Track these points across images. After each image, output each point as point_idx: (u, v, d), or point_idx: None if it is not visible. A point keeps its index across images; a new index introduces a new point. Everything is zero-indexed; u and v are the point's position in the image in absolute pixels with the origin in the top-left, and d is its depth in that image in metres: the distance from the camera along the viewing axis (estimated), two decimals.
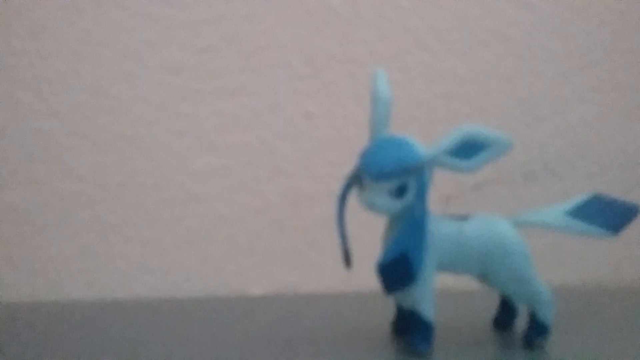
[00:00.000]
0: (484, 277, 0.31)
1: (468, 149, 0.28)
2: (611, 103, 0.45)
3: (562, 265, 0.45)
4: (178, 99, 0.43)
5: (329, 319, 0.37)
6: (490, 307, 0.35)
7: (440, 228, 0.30)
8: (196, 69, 0.43)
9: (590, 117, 0.45)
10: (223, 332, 0.35)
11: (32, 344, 0.33)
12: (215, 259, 0.44)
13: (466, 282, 0.33)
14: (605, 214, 0.30)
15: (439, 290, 0.31)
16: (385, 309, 0.34)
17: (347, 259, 0.30)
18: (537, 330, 0.32)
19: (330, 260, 0.44)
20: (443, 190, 0.44)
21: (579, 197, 0.31)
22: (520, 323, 0.33)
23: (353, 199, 0.30)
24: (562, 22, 0.44)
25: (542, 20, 0.44)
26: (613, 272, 0.45)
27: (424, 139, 0.30)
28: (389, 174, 0.28)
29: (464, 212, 0.32)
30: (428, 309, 0.30)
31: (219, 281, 0.44)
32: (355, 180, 0.30)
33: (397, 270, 0.29)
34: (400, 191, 0.29)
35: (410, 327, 0.31)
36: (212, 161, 0.44)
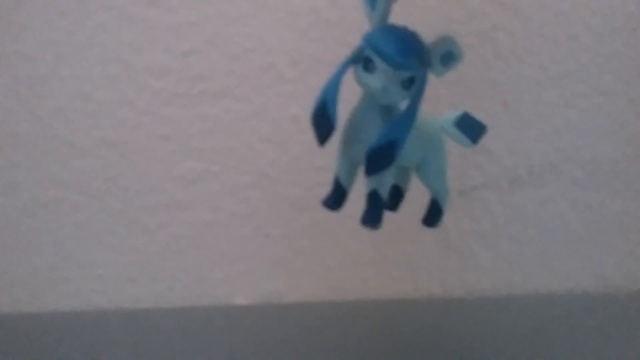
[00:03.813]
0: (418, 168, 0.34)
1: (446, 58, 0.30)
2: (596, 108, 0.45)
3: (549, 272, 0.45)
4: (162, 102, 0.43)
5: (316, 327, 0.36)
6: None
7: None
8: (180, 72, 0.43)
9: (575, 122, 0.45)
10: (208, 342, 0.34)
11: (12, 356, 0.33)
12: (200, 267, 0.44)
13: None
14: (471, 128, 0.34)
15: None
16: (373, 318, 0.34)
17: (326, 136, 0.31)
18: (438, 214, 0.35)
19: (316, 268, 0.43)
20: (427, 196, 0.43)
21: (456, 112, 0.34)
22: None
23: None
24: (546, 26, 0.44)
25: (526, 24, 0.44)
26: (598, 279, 0.46)
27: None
28: (412, 64, 0.29)
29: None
30: (386, 191, 0.32)
31: (204, 290, 0.44)
32: (358, 60, 0.30)
33: (384, 155, 0.30)
34: (409, 82, 0.29)
35: (367, 205, 0.32)
36: (197, 166, 0.43)
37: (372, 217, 0.33)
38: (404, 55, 0.29)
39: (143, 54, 0.42)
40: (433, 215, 0.36)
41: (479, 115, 0.44)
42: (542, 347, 0.32)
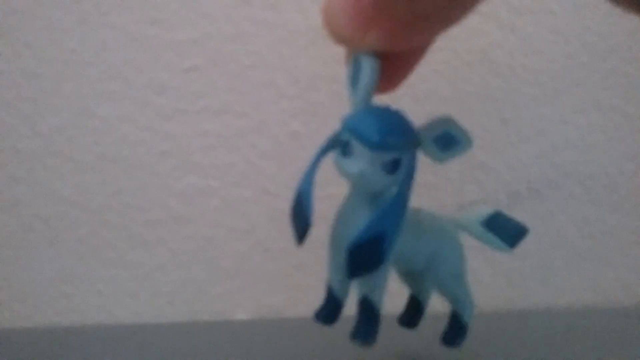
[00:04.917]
0: (425, 271, 0.30)
1: (444, 141, 0.26)
2: (593, 124, 0.45)
3: (548, 287, 0.45)
4: (163, 119, 0.43)
5: (316, 342, 0.36)
6: None
7: None
8: (181, 89, 0.43)
9: (573, 137, 0.45)
10: (208, 357, 0.34)
11: None
12: (200, 281, 0.44)
13: None
14: (506, 229, 0.30)
15: None
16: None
17: (303, 233, 0.27)
18: (460, 331, 0.31)
19: (316, 283, 0.43)
20: None
21: (485, 209, 0.30)
22: None
23: None
24: (544, 43, 0.45)
25: (524, 42, 0.45)
26: (598, 294, 0.46)
27: None
28: (393, 144, 0.25)
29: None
30: (381, 298, 0.28)
31: (204, 305, 0.44)
32: (335, 145, 0.27)
33: (369, 253, 0.25)
34: (394, 166, 0.26)
35: (359, 316, 0.28)
36: (197, 182, 0.44)
37: (363, 331, 0.28)
38: (382, 135, 0.25)
39: (144, 71, 0.43)
40: (454, 332, 0.31)
41: (476, 131, 0.45)
42: None
